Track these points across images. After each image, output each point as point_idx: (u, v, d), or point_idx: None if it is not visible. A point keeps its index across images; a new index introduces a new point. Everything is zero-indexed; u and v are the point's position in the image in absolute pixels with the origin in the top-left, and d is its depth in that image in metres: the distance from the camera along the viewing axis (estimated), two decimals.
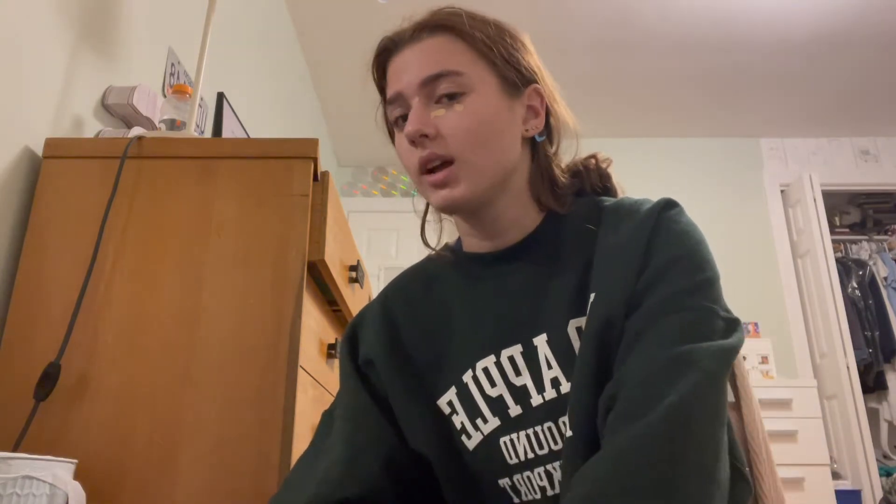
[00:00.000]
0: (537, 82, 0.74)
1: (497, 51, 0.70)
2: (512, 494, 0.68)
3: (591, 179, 0.78)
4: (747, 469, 0.69)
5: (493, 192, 0.70)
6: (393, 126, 0.74)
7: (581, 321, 0.66)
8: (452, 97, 0.68)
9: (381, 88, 0.76)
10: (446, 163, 0.67)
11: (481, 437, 0.68)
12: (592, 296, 0.65)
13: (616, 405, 0.56)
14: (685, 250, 0.64)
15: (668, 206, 0.69)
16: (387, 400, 0.73)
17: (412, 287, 0.79)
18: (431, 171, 0.68)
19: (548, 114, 0.74)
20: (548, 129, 0.75)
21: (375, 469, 0.68)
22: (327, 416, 0.77)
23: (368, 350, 0.76)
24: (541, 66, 0.76)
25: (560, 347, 0.66)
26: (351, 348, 0.78)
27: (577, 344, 0.66)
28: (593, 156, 0.80)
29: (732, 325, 0.61)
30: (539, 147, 0.74)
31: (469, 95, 0.68)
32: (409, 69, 0.69)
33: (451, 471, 0.70)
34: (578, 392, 0.62)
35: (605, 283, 0.65)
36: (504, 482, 0.68)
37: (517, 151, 0.71)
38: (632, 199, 0.73)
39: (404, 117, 0.70)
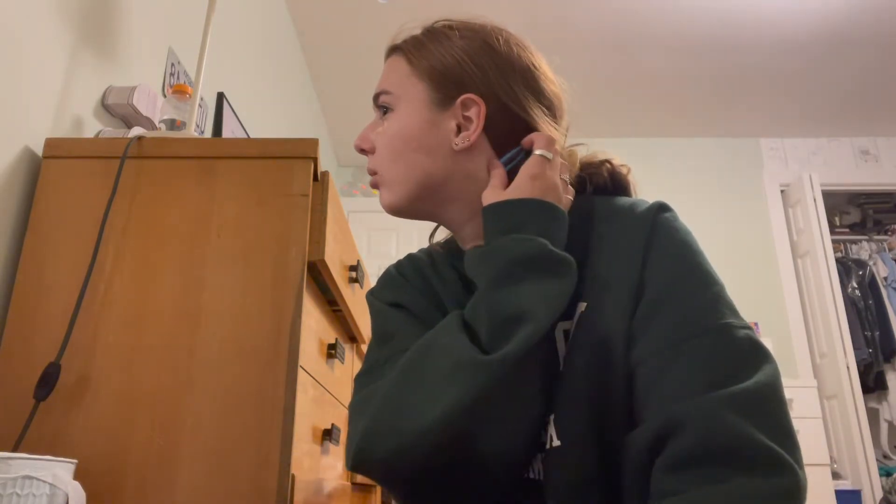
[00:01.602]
0: (478, 93, 0.71)
1: (431, 63, 0.73)
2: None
3: (597, 182, 0.77)
4: None
5: (419, 200, 0.74)
6: None
7: (568, 325, 0.66)
8: (386, 113, 0.75)
9: None
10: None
11: None
12: (583, 305, 0.65)
13: (676, 453, 0.54)
14: (687, 266, 0.64)
15: (662, 209, 0.68)
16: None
17: (420, 258, 0.82)
18: None
19: (502, 125, 0.72)
20: (509, 143, 0.72)
21: None
22: (363, 377, 0.72)
23: (395, 297, 0.77)
24: (524, 74, 0.73)
25: (545, 348, 0.66)
26: (378, 296, 0.79)
27: (560, 347, 0.66)
28: (608, 161, 0.78)
29: (756, 342, 0.60)
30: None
31: (393, 113, 0.75)
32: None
33: None
34: (570, 406, 0.62)
35: (597, 294, 0.65)
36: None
37: (441, 165, 0.72)
38: (625, 199, 0.72)
39: None
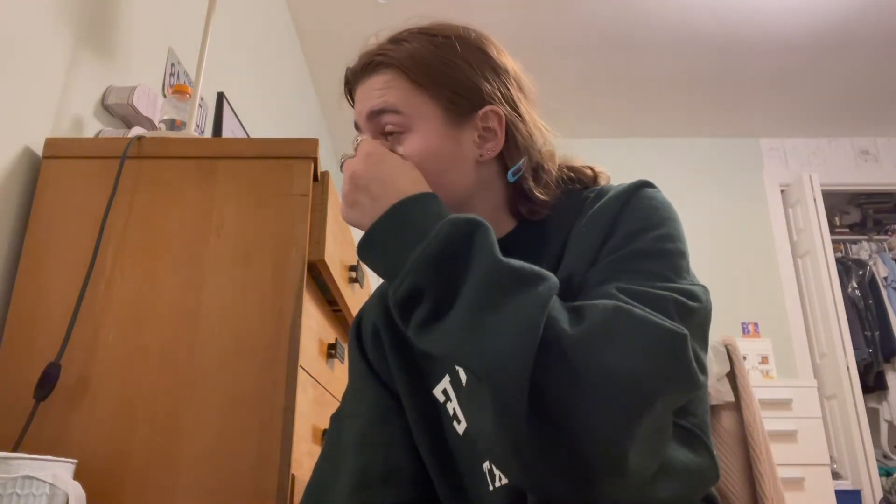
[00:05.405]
0: (493, 103, 0.70)
1: (442, 80, 0.69)
2: (489, 480, 0.68)
3: (582, 180, 0.78)
4: (714, 446, 0.69)
5: None
6: None
7: None
8: (395, 135, 0.69)
9: None
10: None
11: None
12: (565, 273, 0.66)
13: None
14: (654, 221, 0.64)
15: (644, 184, 0.69)
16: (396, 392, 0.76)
17: None
18: None
19: (513, 132, 0.71)
20: (516, 149, 0.72)
21: (412, 467, 0.72)
22: (336, 420, 0.78)
23: (372, 339, 0.79)
24: (513, 76, 0.73)
25: None
26: (360, 344, 0.80)
27: None
28: (590, 167, 0.78)
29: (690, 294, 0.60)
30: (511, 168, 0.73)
31: (409, 135, 0.69)
32: (360, 102, 0.73)
33: (441, 458, 0.72)
34: None
35: (572, 262, 0.66)
36: (486, 466, 0.68)
37: (469, 178, 0.71)
38: (613, 185, 0.73)
39: None
